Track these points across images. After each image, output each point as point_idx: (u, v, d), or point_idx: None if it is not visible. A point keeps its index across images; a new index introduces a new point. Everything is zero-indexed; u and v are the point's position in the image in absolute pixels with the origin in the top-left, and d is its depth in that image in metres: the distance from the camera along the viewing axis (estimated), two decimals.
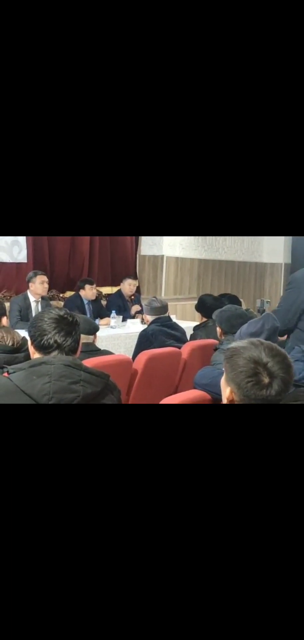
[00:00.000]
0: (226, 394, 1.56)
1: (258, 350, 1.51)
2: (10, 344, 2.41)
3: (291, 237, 8.74)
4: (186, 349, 4.02)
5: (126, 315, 5.84)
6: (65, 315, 1.85)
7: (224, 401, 1.58)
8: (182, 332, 4.47)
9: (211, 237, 7.89)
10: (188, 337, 4.57)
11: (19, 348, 2.43)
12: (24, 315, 5.09)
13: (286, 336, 3.28)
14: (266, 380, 1.48)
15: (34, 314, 4.98)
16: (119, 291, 6.39)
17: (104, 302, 6.41)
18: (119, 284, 6.51)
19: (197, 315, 4.86)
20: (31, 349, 1.87)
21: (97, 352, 3.26)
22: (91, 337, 3.22)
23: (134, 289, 6.44)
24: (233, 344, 1.60)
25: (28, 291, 5.26)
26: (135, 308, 6.21)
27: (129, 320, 5.61)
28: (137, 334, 4.38)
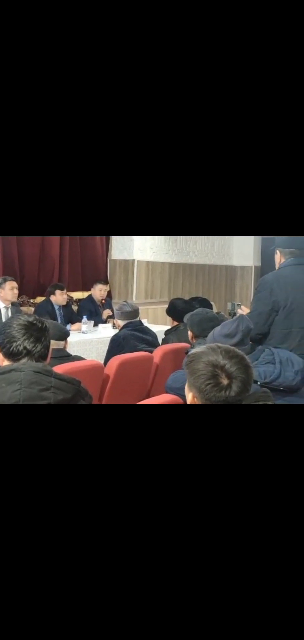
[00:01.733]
0: (189, 399, 1.60)
1: (215, 354, 1.56)
2: None
3: (260, 240, 8.83)
4: (157, 353, 4.02)
5: (97, 320, 5.81)
6: (35, 321, 1.83)
7: None
8: (154, 336, 4.47)
9: (181, 241, 7.92)
10: (160, 341, 4.58)
11: None
12: None
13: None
14: (225, 381, 1.52)
15: (3, 320, 4.92)
16: (90, 296, 6.36)
17: (75, 307, 6.37)
18: (89, 289, 6.48)
19: (169, 319, 4.87)
20: (0, 356, 1.84)
21: (68, 357, 3.24)
22: (62, 342, 3.20)
23: (105, 293, 6.42)
24: (192, 351, 1.64)
25: None
26: (106, 312, 6.19)
27: (100, 325, 5.59)
28: (109, 338, 4.36)
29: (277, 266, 3.40)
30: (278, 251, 3.35)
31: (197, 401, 1.56)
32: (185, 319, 3.40)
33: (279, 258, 3.36)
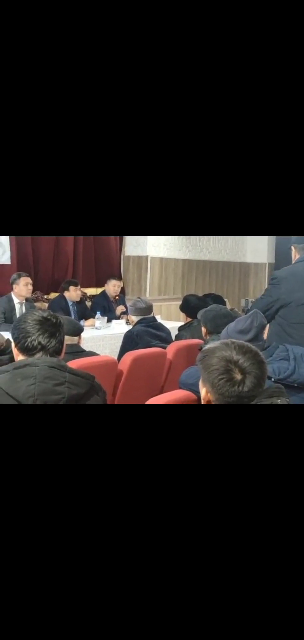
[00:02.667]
0: (203, 394, 1.60)
1: (229, 349, 1.55)
2: None
3: (274, 237, 8.78)
4: (171, 349, 4.02)
5: (110, 316, 5.83)
6: (49, 317, 1.84)
7: (202, 402, 1.60)
8: (167, 332, 4.47)
9: (194, 237, 7.90)
10: (173, 338, 4.58)
11: (3, 350, 2.41)
12: (8, 318, 5.06)
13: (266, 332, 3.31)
14: (239, 376, 1.51)
15: (18, 315, 4.95)
16: (104, 292, 6.38)
17: (88, 304, 6.39)
18: (103, 285, 6.49)
19: (182, 315, 4.87)
20: (15, 351, 1.85)
21: (82, 353, 3.25)
22: (76, 338, 3.21)
23: (119, 289, 6.43)
24: (206, 346, 1.64)
25: (12, 293, 5.23)
26: (120, 309, 6.20)
27: (114, 321, 5.60)
28: (122, 334, 4.37)
29: (293, 262, 3.43)
30: (293, 247, 3.38)
31: (210, 397, 1.56)
32: (199, 315, 3.41)
33: (294, 254, 3.39)
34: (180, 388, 2.65)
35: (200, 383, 1.62)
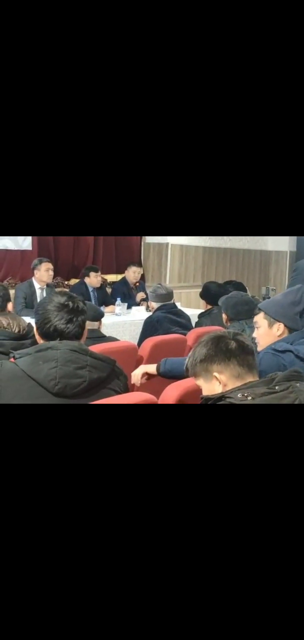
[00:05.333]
0: (216, 384, 1.62)
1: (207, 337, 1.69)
2: (16, 330, 2.41)
3: None
4: (191, 336, 4.01)
5: (130, 302, 5.84)
6: (69, 302, 1.82)
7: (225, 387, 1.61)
8: (187, 319, 4.46)
9: None
10: (193, 325, 4.57)
11: (25, 334, 2.43)
12: (29, 303, 5.10)
13: None
14: (232, 341, 1.64)
15: (38, 301, 4.98)
16: (124, 278, 6.38)
17: (108, 290, 6.41)
18: (123, 272, 6.50)
19: (202, 302, 4.86)
20: (37, 335, 1.86)
21: (103, 338, 3.27)
22: (96, 323, 3.23)
23: (139, 276, 6.42)
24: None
25: (33, 278, 5.26)
26: (140, 295, 6.20)
27: (134, 308, 5.61)
28: (142, 321, 4.38)
29: None
30: None
31: (223, 377, 1.60)
32: (220, 302, 3.39)
33: None
34: None
35: (206, 384, 1.65)
